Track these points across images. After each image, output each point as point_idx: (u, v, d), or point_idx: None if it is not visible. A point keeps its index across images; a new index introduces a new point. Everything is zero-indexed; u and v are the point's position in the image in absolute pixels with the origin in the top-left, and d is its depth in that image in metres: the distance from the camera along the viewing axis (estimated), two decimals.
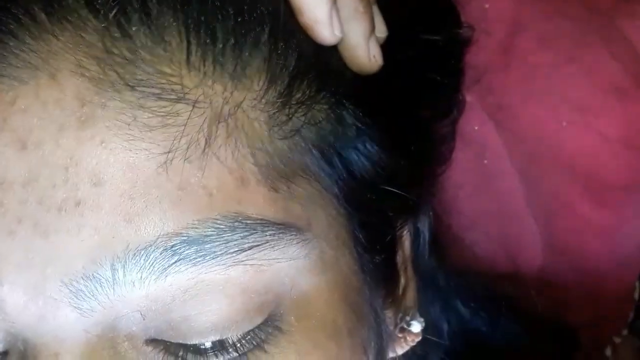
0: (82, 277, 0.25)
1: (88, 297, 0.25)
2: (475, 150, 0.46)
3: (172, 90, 0.26)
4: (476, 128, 0.46)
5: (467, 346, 0.44)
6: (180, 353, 0.27)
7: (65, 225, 0.25)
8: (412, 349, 0.37)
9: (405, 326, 0.36)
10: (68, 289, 0.25)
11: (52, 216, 0.25)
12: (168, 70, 0.26)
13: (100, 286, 0.25)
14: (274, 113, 0.28)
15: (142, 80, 0.26)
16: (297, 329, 0.28)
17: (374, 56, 0.31)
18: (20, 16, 0.26)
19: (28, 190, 0.25)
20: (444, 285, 0.44)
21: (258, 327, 0.27)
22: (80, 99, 0.25)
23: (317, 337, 0.28)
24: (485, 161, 0.47)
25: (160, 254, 0.25)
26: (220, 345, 0.27)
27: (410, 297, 0.36)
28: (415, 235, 0.38)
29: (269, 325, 0.27)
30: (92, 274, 0.25)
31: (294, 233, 0.28)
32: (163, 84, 0.26)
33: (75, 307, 0.25)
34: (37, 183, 0.25)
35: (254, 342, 0.27)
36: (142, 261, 0.25)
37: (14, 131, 0.25)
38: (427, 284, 0.41)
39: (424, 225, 0.38)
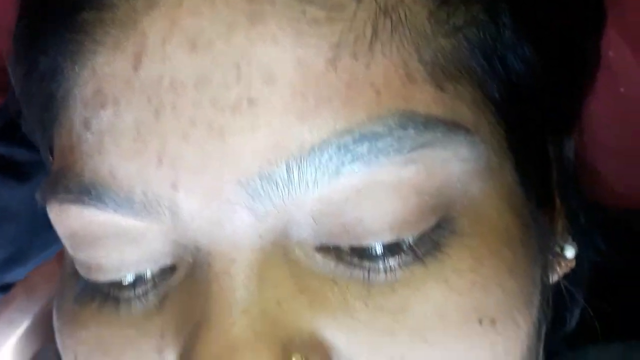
0: (258, 177, 0.25)
1: (264, 199, 0.25)
2: (610, 77, 0.44)
3: None
4: (611, 54, 0.43)
5: (605, 281, 0.42)
6: (355, 260, 0.26)
7: (239, 125, 0.24)
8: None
9: (559, 251, 0.34)
10: (245, 190, 0.25)
11: (226, 117, 0.24)
12: None
13: (276, 187, 0.25)
14: (435, 7, 0.27)
15: None
16: (471, 234, 0.27)
17: None
18: None
19: (201, 92, 0.25)
20: (583, 218, 0.42)
21: (432, 229, 0.26)
22: None
23: (492, 243, 0.27)
24: (622, 89, 0.44)
25: (334, 152, 0.24)
26: (396, 248, 0.26)
27: (561, 221, 0.35)
28: (560, 160, 0.36)
29: (443, 227, 0.26)
30: (268, 174, 0.25)
31: (463, 134, 0.26)
32: None
33: (251, 210, 0.25)
34: (209, 84, 0.25)
35: (429, 244, 0.26)
36: (316, 160, 0.24)
37: (184, 32, 0.25)
38: (569, 215, 0.39)
39: (570, 151, 0.37)
